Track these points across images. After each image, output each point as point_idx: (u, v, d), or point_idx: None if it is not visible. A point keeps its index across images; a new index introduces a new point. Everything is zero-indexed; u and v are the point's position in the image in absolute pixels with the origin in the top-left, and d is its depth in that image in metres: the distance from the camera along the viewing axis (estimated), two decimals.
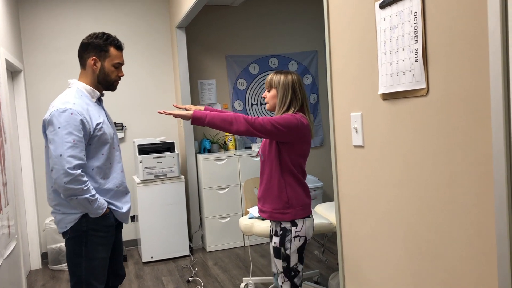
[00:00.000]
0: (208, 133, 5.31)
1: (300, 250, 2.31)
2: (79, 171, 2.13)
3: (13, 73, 4.54)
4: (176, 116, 2.20)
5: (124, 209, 2.42)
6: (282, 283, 2.35)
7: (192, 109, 2.63)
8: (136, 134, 5.17)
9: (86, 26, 4.99)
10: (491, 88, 1.06)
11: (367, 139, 1.65)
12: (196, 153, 5.08)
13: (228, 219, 4.90)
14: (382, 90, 1.51)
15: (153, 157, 4.55)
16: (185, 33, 4.95)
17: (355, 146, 1.73)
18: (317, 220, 3.31)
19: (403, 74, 1.40)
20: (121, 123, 5.09)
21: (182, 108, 2.61)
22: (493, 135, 1.06)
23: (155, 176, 4.56)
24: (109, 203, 2.32)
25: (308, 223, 2.33)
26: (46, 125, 2.20)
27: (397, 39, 1.42)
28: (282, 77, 2.36)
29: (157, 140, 4.72)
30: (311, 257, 4.44)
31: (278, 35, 5.63)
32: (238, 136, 5.28)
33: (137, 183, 4.55)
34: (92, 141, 2.24)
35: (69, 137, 2.12)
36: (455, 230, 1.26)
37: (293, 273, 2.31)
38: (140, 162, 4.50)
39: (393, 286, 1.57)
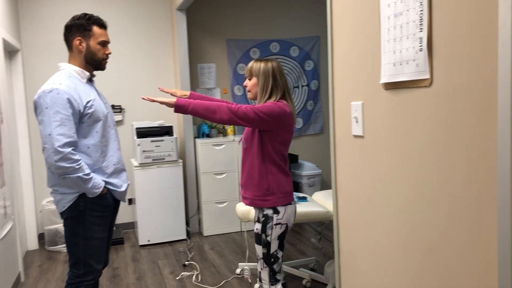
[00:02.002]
0: None
1: (281, 237, 2.33)
2: (70, 149, 2.14)
3: (10, 52, 4.47)
4: (160, 103, 2.21)
5: (123, 188, 2.45)
6: (261, 269, 2.38)
7: (178, 94, 2.64)
8: (135, 117, 5.13)
9: (85, 5, 4.92)
10: (499, 81, 1.02)
11: (367, 129, 1.62)
12: (195, 137, 5.04)
13: (225, 204, 4.89)
14: (384, 79, 1.47)
15: (151, 141, 4.52)
16: (185, 15, 4.87)
17: (355, 136, 1.70)
18: (314, 208, 3.30)
19: (407, 63, 1.36)
20: (119, 106, 5.05)
21: (167, 92, 2.65)
22: (499, 130, 1.03)
23: (153, 160, 4.54)
24: (107, 182, 2.33)
25: (290, 210, 2.34)
26: (35, 107, 2.22)
27: (401, 27, 1.37)
28: (262, 64, 2.35)
29: (156, 123, 4.69)
30: (307, 243, 4.44)
31: (280, 20, 5.55)
32: None
33: (135, 167, 4.53)
34: (84, 119, 2.25)
35: (56, 116, 2.13)
36: (453, 224, 1.24)
37: (272, 260, 2.34)
38: (138, 145, 4.48)
39: (389, 278, 1.56)
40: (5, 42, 3.92)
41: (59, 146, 2.11)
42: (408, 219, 1.43)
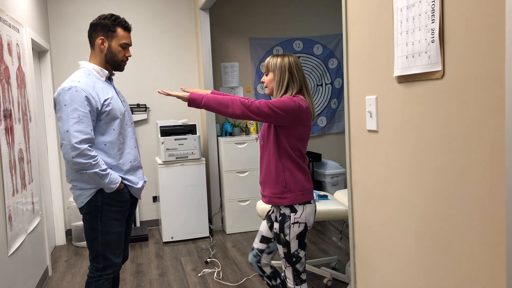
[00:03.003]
0: None
1: (300, 237, 2.28)
2: (87, 145, 2.19)
3: (40, 53, 4.61)
4: (175, 96, 2.23)
5: (139, 185, 2.48)
6: (285, 268, 2.35)
7: (200, 93, 2.64)
8: (159, 115, 5.20)
9: (112, 7, 5.02)
10: (507, 71, 0.99)
11: (381, 124, 1.60)
12: (218, 136, 5.08)
13: (248, 202, 4.90)
14: (397, 72, 1.45)
15: (175, 139, 4.58)
16: (208, 14, 4.91)
17: (369, 131, 1.68)
18: (335, 206, 3.27)
19: (419, 55, 1.33)
20: (145, 105, 5.13)
21: (188, 92, 2.61)
22: (506, 122, 1.00)
23: (176, 158, 4.60)
24: (124, 179, 2.38)
25: (309, 209, 2.29)
26: (54, 103, 2.29)
27: (413, 19, 1.35)
28: (279, 59, 2.32)
29: (179, 122, 4.75)
30: (329, 243, 4.41)
31: (303, 18, 5.53)
32: None
33: (159, 164, 4.59)
34: (102, 116, 2.30)
35: (74, 113, 2.19)
36: (466, 219, 1.20)
37: (294, 259, 2.30)
38: (162, 143, 4.54)
39: (403, 275, 1.53)
40: (34, 43, 4.04)
41: (76, 143, 2.17)
42: (423, 214, 1.40)
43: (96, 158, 2.22)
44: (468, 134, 1.17)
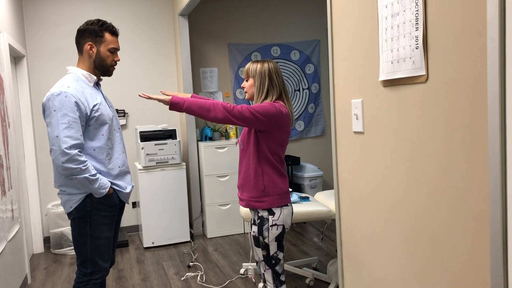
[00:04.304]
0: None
1: (279, 239, 2.32)
2: (76, 151, 2.20)
3: (16, 58, 4.55)
4: (156, 100, 2.25)
5: (128, 189, 2.50)
6: (264, 271, 2.38)
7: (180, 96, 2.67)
8: (138, 121, 5.20)
9: (89, 12, 5.00)
10: (488, 76, 1.08)
11: (367, 126, 1.68)
12: (198, 140, 5.11)
13: (228, 206, 4.94)
14: (383, 76, 1.54)
15: (155, 144, 4.58)
16: (187, 20, 4.95)
17: (355, 132, 1.76)
18: (317, 207, 3.35)
19: (404, 61, 1.42)
20: (123, 110, 5.12)
21: (168, 95, 2.60)
22: (488, 122, 1.09)
23: (156, 163, 4.60)
24: (113, 183, 2.38)
25: (286, 212, 2.34)
26: (43, 109, 2.28)
27: (398, 26, 1.44)
28: (259, 65, 2.36)
29: (159, 127, 4.75)
30: (310, 244, 4.49)
31: (280, 24, 5.63)
32: None
33: (139, 170, 4.59)
34: (90, 122, 2.31)
35: (64, 118, 2.20)
36: (452, 214, 1.29)
37: (273, 261, 2.34)
38: (142, 148, 4.54)
39: (391, 270, 1.61)
40: (11, 48, 3.99)
41: (66, 148, 2.17)
42: (409, 211, 1.49)
43: (86, 163, 2.23)
44: (451, 134, 1.26)
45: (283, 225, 2.33)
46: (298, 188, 5.35)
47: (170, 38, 5.29)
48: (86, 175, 2.22)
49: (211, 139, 5.11)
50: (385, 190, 1.60)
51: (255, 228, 2.36)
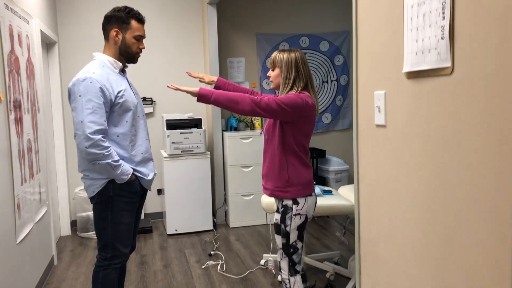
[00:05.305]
0: None
1: (300, 228, 2.33)
2: (100, 136, 2.22)
3: (48, 44, 4.65)
4: (184, 91, 2.26)
5: (150, 176, 2.52)
6: (281, 259, 2.39)
7: (206, 80, 2.70)
8: (165, 109, 5.24)
9: (119, 1, 5.04)
10: None
11: (389, 119, 1.62)
12: (223, 130, 5.11)
13: (251, 196, 4.94)
14: (406, 68, 1.48)
15: (181, 133, 4.61)
16: (216, 9, 4.93)
17: (377, 126, 1.71)
18: (339, 201, 3.30)
19: (429, 52, 1.36)
20: (151, 98, 5.16)
21: (195, 77, 2.72)
22: None
23: (181, 151, 4.63)
24: (135, 170, 2.41)
25: (310, 202, 2.35)
26: (69, 94, 2.31)
27: (424, 16, 1.37)
28: (285, 55, 2.35)
29: (185, 116, 4.78)
30: (332, 238, 4.44)
31: (310, 14, 5.55)
32: None
33: (164, 157, 4.63)
34: (115, 108, 2.32)
35: (88, 104, 2.21)
36: (474, 214, 1.23)
37: (292, 250, 2.34)
38: (168, 137, 4.57)
39: (410, 266, 1.56)
40: (43, 34, 4.07)
41: (89, 133, 2.20)
42: (429, 208, 1.43)
43: (109, 149, 2.25)
44: (476, 129, 1.20)
45: (306, 215, 2.34)
46: (322, 181, 5.29)
47: (198, 27, 5.28)
48: (109, 160, 2.24)
49: (236, 129, 5.11)
50: (406, 185, 1.54)
51: (277, 216, 2.37)
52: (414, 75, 1.46)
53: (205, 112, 5.38)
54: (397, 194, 1.60)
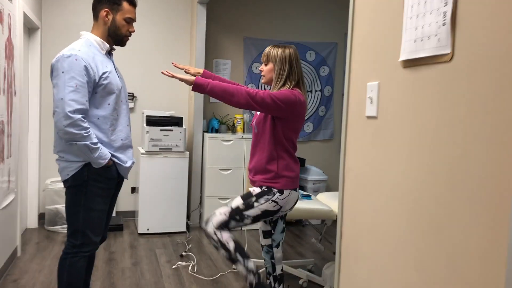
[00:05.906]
0: (217, 112, 5.27)
1: (265, 214, 2.33)
2: (80, 116, 2.13)
3: (30, 29, 4.51)
4: (179, 79, 2.23)
5: (128, 164, 2.43)
6: (220, 214, 2.34)
7: (192, 71, 2.67)
8: (146, 105, 5.14)
9: None
10: None
11: (381, 109, 1.59)
12: (204, 131, 5.03)
13: (228, 200, 4.85)
14: (403, 56, 1.45)
15: (160, 130, 4.52)
16: (206, 9, 4.89)
17: (368, 117, 1.67)
18: (318, 206, 3.26)
19: (428, 38, 1.33)
20: (132, 93, 5.06)
21: (181, 68, 2.71)
22: None
23: (160, 149, 4.53)
24: (114, 156, 2.32)
25: (292, 196, 2.37)
26: (51, 70, 2.21)
27: (425, 3, 1.35)
28: (280, 50, 2.37)
29: (167, 113, 4.69)
30: (307, 247, 4.39)
31: (299, 22, 5.56)
32: (248, 119, 5.23)
33: (141, 154, 4.52)
34: (98, 89, 2.24)
35: (71, 81, 2.13)
36: (467, 206, 1.20)
37: (238, 217, 2.33)
38: (147, 133, 4.47)
39: (391, 264, 1.51)
40: (26, 18, 3.95)
41: (69, 112, 2.10)
42: (418, 199, 1.39)
43: (88, 130, 2.15)
44: (473, 118, 1.17)
45: (281, 207, 2.34)
46: (300, 189, 5.25)
47: (186, 26, 5.23)
48: (87, 142, 2.15)
49: (217, 131, 5.04)
50: (394, 176, 1.50)
51: (258, 189, 2.36)
52: (410, 63, 1.43)
53: (187, 111, 5.30)
54: (384, 185, 1.56)
